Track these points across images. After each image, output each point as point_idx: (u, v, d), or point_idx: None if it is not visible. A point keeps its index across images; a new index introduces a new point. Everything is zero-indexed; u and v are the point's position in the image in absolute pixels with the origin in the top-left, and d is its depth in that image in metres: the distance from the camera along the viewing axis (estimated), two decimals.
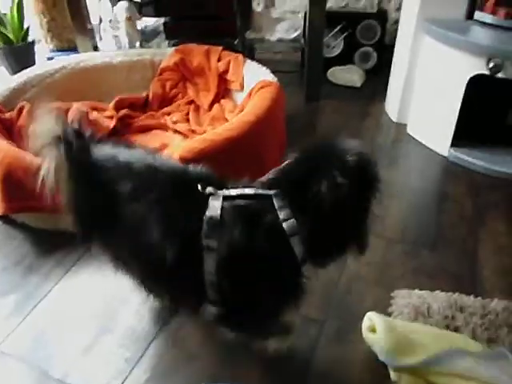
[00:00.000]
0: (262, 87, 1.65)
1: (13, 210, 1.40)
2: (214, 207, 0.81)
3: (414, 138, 1.88)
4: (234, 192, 0.83)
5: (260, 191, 0.82)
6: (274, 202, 0.79)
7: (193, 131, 1.74)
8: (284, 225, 0.78)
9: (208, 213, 0.81)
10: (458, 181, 1.62)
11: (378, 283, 1.20)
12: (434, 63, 1.73)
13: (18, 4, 2.42)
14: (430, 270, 1.25)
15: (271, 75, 1.75)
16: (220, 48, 1.99)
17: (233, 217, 0.80)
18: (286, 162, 0.85)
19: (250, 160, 1.43)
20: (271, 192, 0.81)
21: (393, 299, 1.14)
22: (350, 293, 1.18)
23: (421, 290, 1.15)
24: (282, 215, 0.78)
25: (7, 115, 1.65)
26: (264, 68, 1.82)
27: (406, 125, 1.95)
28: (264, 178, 0.85)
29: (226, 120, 1.78)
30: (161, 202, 0.83)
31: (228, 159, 1.34)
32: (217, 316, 0.87)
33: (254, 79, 1.78)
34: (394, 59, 2.03)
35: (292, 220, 0.78)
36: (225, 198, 0.82)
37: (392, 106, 2.04)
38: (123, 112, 1.83)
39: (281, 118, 1.66)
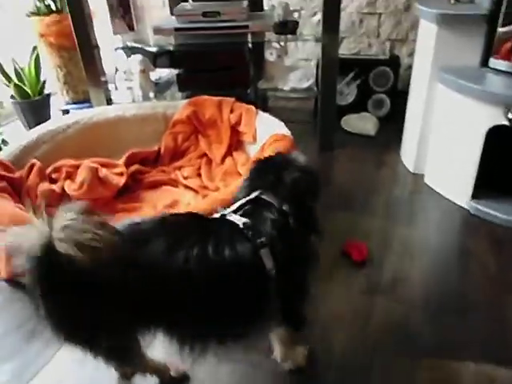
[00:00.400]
0: (275, 140, 1.62)
1: (17, 275, 1.36)
2: (236, 219, 0.92)
3: (432, 189, 1.83)
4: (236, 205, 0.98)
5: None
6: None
7: (204, 187, 1.71)
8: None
9: (239, 223, 0.91)
10: (480, 235, 1.55)
11: (400, 353, 1.13)
12: (450, 112, 1.69)
13: (35, 58, 2.47)
14: (456, 337, 1.17)
15: (284, 128, 1.73)
16: (232, 99, 1.98)
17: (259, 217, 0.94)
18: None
19: None
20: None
21: (417, 371, 1.06)
22: (371, 368, 1.10)
23: (448, 360, 1.08)
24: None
25: (17, 174, 1.65)
26: (277, 120, 1.80)
27: (423, 175, 1.89)
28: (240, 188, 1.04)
29: (239, 174, 1.75)
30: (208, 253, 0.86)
31: None
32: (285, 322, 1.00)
33: (266, 131, 1.76)
34: (409, 107, 2.00)
35: None
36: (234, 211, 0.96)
37: (408, 155, 1.99)
38: (134, 168, 1.82)
39: None
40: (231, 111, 1.94)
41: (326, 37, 1.92)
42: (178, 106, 2.03)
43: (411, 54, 2.44)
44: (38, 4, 2.52)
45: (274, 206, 0.95)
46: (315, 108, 2.44)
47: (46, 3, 2.53)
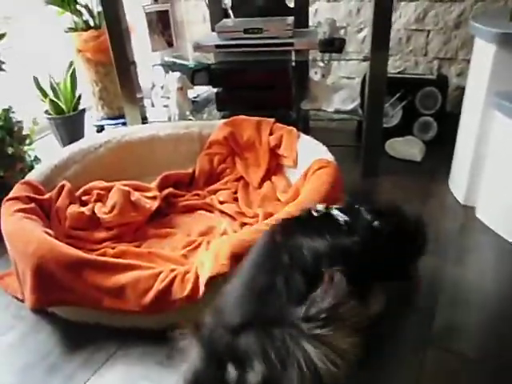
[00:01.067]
0: (318, 168, 1.51)
1: (42, 304, 1.31)
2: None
3: (484, 225, 1.66)
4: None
5: None
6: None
7: (241, 213, 1.61)
8: None
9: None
10: None
11: None
12: (508, 142, 1.54)
13: (71, 74, 2.44)
14: None
15: (328, 153, 1.62)
16: (272, 120, 1.88)
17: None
18: None
19: None
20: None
21: None
22: None
23: None
24: None
25: (46, 196, 1.58)
26: (320, 144, 1.69)
27: (474, 208, 1.73)
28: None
29: (278, 200, 1.65)
30: None
31: None
32: None
33: (308, 156, 1.66)
34: (459, 133, 1.85)
35: None
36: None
37: (457, 184, 1.84)
38: (167, 191, 1.74)
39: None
40: (271, 133, 1.84)
41: (374, 55, 1.81)
42: (215, 125, 1.95)
43: (460, 74, 2.31)
44: (77, 20, 2.50)
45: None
46: (358, 130, 2.32)
47: (85, 19, 2.51)
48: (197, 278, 1.18)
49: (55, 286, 1.23)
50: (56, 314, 1.33)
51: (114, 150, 1.87)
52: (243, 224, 1.57)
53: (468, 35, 2.21)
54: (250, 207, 1.66)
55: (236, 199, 1.72)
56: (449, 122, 2.16)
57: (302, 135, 1.78)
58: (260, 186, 1.78)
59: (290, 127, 1.83)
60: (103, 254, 1.45)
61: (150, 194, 1.70)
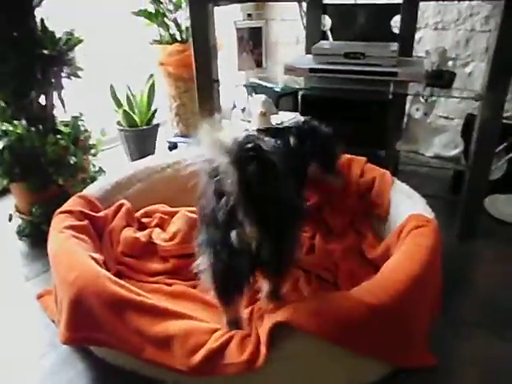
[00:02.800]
0: (416, 227, 1.25)
1: (75, 342, 1.15)
2: None
3: None
4: None
5: None
6: None
7: (317, 264, 1.38)
8: None
9: None
10: None
11: None
12: None
13: (150, 86, 2.33)
14: None
15: (427, 208, 1.35)
16: (364, 159, 1.65)
17: None
18: None
19: (390, 332, 1.05)
20: None
21: None
22: None
23: None
24: None
25: (102, 214, 1.42)
26: (417, 195, 1.43)
27: None
28: None
29: (363, 256, 1.41)
30: None
31: (361, 332, 1.01)
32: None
33: (402, 207, 1.41)
34: None
35: None
36: None
37: None
38: None
39: (438, 272, 1.24)
40: (361, 174, 1.60)
41: (489, 94, 1.53)
42: None
43: None
44: (163, 33, 2.41)
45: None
46: (454, 180, 2.03)
47: (172, 32, 2.41)
48: (257, 342, 0.97)
49: (93, 323, 1.07)
50: (91, 350, 1.18)
51: (183, 173, 1.69)
52: (318, 276, 1.34)
53: None
54: (329, 257, 1.41)
55: (312, 246, 1.48)
56: None
57: (397, 181, 1.53)
58: (343, 234, 1.53)
59: (384, 170, 1.58)
60: (157, 291, 1.29)
61: None
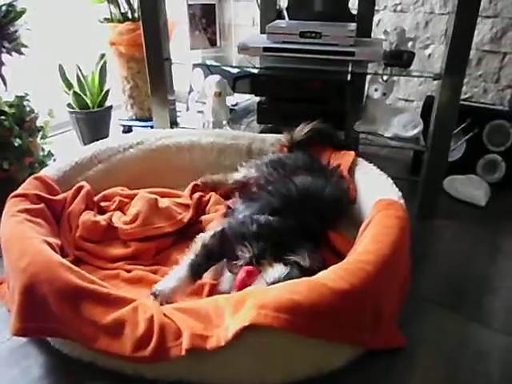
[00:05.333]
0: (384, 209, 1.25)
1: (28, 333, 1.06)
2: None
3: None
4: None
5: None
6: None
7: None
8: None
9: None
10: None
11: None
12: None
13: (101, 67, 2.23)
14: None
15: (394, 188, 1.36)
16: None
17: None
18: None
19: (360, 316, 1.03)
20: None
21: None
22: None
23: None
24: None
25: (60, 197, 1.35)
26: (384, 175, 1.43)
27: None
28: None
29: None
30: None
31: (331, 315, 0.97)
32: None
33: (370, 190, 1.41)
34: None
35: None
36: None
37: None
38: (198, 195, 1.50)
39: (407, 253, 1.24)
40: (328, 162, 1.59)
41: (447, 77, 1.56)
42: (266, 139, 1.71)
43: None
44: (114, 10, 2.30)
45: None
46: (414, 161, 2.06)
47: (123, 11, 2.31)
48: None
49: (45, 312, 1.00)
50: (48, 341, 1.10)
51: (146, 154, 1.65)
52: None
53: None
54: None
55: None
56: None
57: (363, 162, 1.53)
58: None
59: (349, 152, 1.59)
60: (116, 277, 1.24)
61: (181, 201, 1.47)
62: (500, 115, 1.93)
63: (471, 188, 1.88)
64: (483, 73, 2.13)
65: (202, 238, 1.21)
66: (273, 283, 1.04)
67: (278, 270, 1.08)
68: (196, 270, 1.14)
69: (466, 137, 1.95)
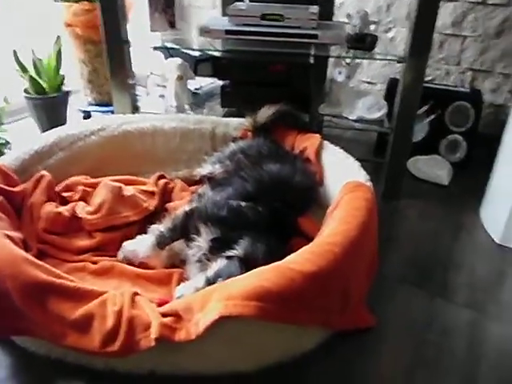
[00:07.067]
0: (352, 191, 1.25)
1: None
2: None
3: None
4: None
5: None
6: None
7: None
8: None
9: None
10: None
11: None
12: None
13: (57, 51, 2.14)
14: None
15: (362, 171, 1.36)
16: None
17: None
18: None
19: (329, 298, 1.04)
20: None
21: None
22: None
23: None
24: None
25: (19, 188, 1.30)
26: (351, 158, 1.44)
27: None
28: None
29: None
30: None
31: (300, 299, 0.96)
32: None
33: (337, 173, 1.42)
34: (500, 159, 1.60)
35: None
36: None
37: (492, 220, 1.59)
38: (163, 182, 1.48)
39: (375, 234, 1.25)
40: (293, 145, 1.60)
41: (411, 59, 1.57)
42: (230, 124, 1.69)
43: (496, 90, 2.08)
44: None
45: None
46: (378, 143, 2.08)
47: None
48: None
49: (10, 310, 0.97)
50: (11, 339, 1.06)
51: (109, 140, 1.60)
52: None
53: (509, 46, 1.98)
54: None
55: None
56: (480, 144, 1.94)
57: (330, 145, 1.53)
58: None
59: (314, 135, 1.58)
60: (82, 269, 1.20)
61: (146, 188, 1.45)
62: (461, 97, 1.97)
63: (435, 168, 1.92)
64: (445, 56, 2.15)
65: (174, 214, 1.25)
66: (213, 278, 1.05)
67: (219, 264, 1.09)
68: (160, 242, 1.21)
69: (429, 118, 1.97)
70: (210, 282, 1.03)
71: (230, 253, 1.09)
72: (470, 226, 1.64)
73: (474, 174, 1.89)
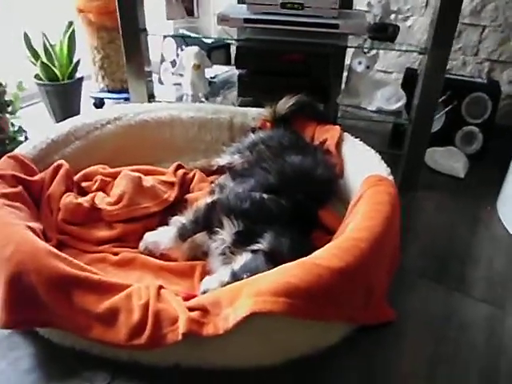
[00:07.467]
0: (374, 185, 1.24)
1: (17, 325, 1.01)
2: None
3: None
4: None
5: None
6: None
7: None
8: None
9: None
10: None
11: None
12: None
13: (69, 36, 2.11)
14: None
15: (383, 165, 1.35)
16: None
17: None
18: None
19: (355, 293, 1.03)
20: None
21: None
22: None
23: None
24: None
25: (38, 177, 1.29)
26: (372, 151, 1.42)
27: None
28: None
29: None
30: None
31: (328, 295, 0.95)
32: None
33: (357, 166, 1.40)
34: None
35: None
36: None
37: (510, 214, 1.58)
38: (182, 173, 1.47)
39: (397, 228, 1.24)
40: (312, 137, 1.58)
41: (434, 50, 1.54)
42: (248, 114, 1.67)
43: None
44: None
45: None
46: (393, 134, 2.06)
47: None
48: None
49: (34, 303, 0.96)
50: (36, 331, 1.06)
51: (125, 129, 1.58)
52: None
53: None
54: None
55: None
56: (497, 136, 1.93)
57: (350, 137, 1.52)
58: None
59: (334, 127, 1.56)
60: (103, 260, 1.19)
61: (165, 178, 1.43)
62: (478, 88, 1.95)
63: (451, 160, 1.90)
64: (463, 46, 2.12)
65: (196, 205, 1.24)
66: (239, 272, 1.04)
67: (244, 258, 1.08)
68: (182, 234, 1.19)
69: (446, 109, 1.95)
70: (235, 275, 1.02)
71: (254, 247, 1.08)
72: (487, 220, 1.63)
73: (490, 166, 1.88)
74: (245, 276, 1.00)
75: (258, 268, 1.01)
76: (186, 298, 0.99)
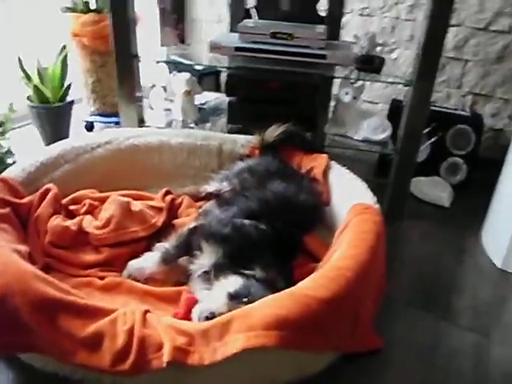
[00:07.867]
0: (360, 213, 1.25)
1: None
2: None
3: None
4: None
5: None
6: None
7: None
8: None
9: None
10: None
11: None
12: None
13: (62, 60, 2.13)
14: None
15: (369, 193, 1.37)
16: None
17: None
18: None
19: (341, 322, 1.03)
20: None
21: None
22: None
23: None
24: None
25: (26, 200, 1.29)
26: (359, 180, 1.45)
27: None
28: None
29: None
30: None
31: (315, 325, 0.96)
32: None
33: (344, 193, 1.42)
34: (502, 184, 1.61)
35: None
36: None
37: (494, 245, 1.60)
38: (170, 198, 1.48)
39: (383, 256, 1.25)
40: (299, 164, 1.61)
41: (418, 82, 1.59)
42: (237, 141, 1.69)
43: (496, 115, 2.11)
44: (77, 0, 2.21)
45: None
46: (379, 163, 2.10)
47: (85, 0, 2.22)
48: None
49: (18, 326, 0.94)
50: (17, 356, 1.04)
51: (115, 153, 1.59)
52: None
53: (510, 72, 2.02)
54: None
55: None
56: (480, 167, 1.97)
57: (336, 166, 1.54)
58: None
59: (321, 155, 1.59)
60: (89, 284, 1.19)
61: (153, 203, 1.44)
62: (462, 120, 2.00)
63: (436, 190, 1.94)
64: (447, 78, 2.19)
65: (181, 230, 1.27)
66: (233, 294, 1.04)
67: (234, 281, 1.08)
68: (166, 258, 1.22)
69: (431, 140, 1.99)
70: (233, 298, 1.03)
71: (245, 271, 1.09)
72: (472, 250, 1.66)
73: (474, 196, 1.91)
74: (245, 300, 1.01)
75: (254, 295, 1.02)
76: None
